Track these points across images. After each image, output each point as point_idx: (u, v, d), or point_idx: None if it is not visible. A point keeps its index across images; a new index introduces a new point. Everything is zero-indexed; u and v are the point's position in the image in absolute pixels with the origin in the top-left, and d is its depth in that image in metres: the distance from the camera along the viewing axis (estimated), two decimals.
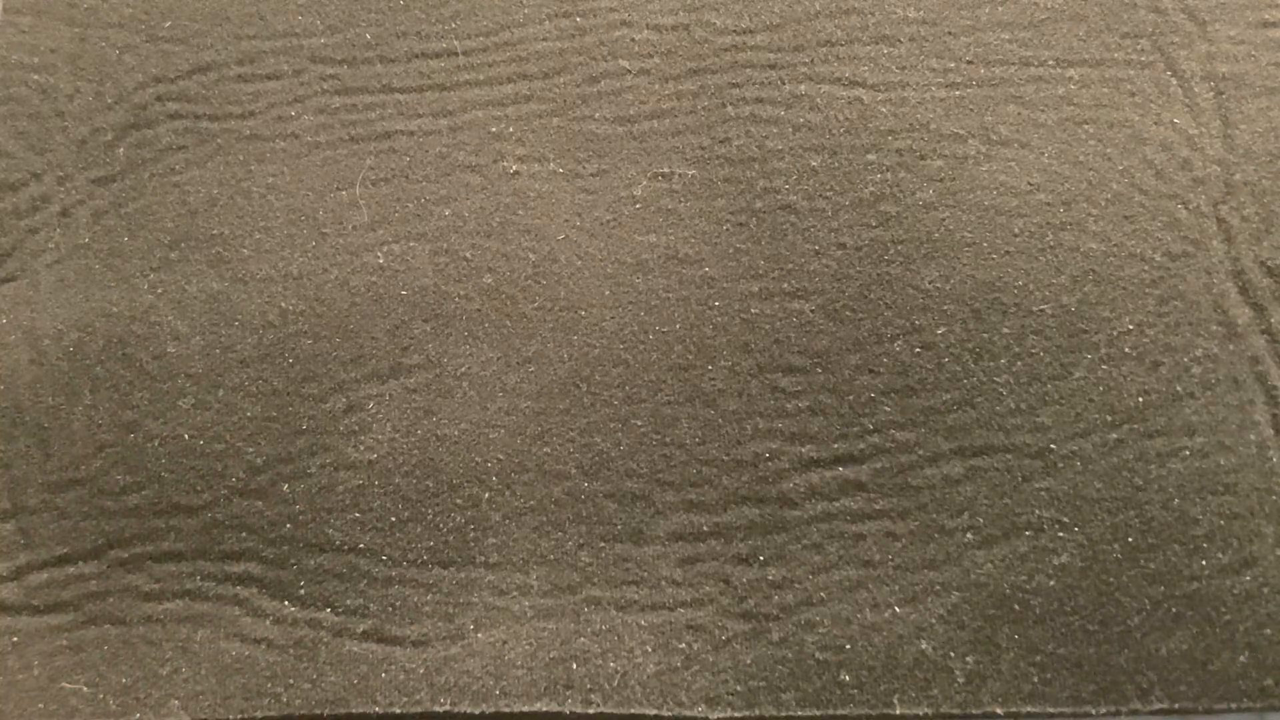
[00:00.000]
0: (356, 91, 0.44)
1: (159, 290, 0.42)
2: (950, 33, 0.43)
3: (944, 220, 0.40)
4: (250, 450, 0.40)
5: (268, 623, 0.38)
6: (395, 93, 0.44)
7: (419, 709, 0.37)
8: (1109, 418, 0.38)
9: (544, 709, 0.37)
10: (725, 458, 0.39)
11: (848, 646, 0.37)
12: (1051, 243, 0.40)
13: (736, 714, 0.36)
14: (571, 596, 0.38)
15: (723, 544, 0.38)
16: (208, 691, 0.38)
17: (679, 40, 0.44)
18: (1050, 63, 0.42)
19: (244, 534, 0.39)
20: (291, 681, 0.38)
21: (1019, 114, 0.42)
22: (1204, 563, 0.37)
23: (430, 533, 0.39)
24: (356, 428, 0.40)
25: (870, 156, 0.41)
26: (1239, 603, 0.36)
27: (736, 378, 0.39)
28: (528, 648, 0.37)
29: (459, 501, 0.39)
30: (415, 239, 0.42)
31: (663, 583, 0.38)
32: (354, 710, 0.37)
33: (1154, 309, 0.39)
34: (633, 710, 0.37)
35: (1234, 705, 0.35)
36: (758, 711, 0.36)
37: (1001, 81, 0.42)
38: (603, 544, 0.38)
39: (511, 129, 0.43)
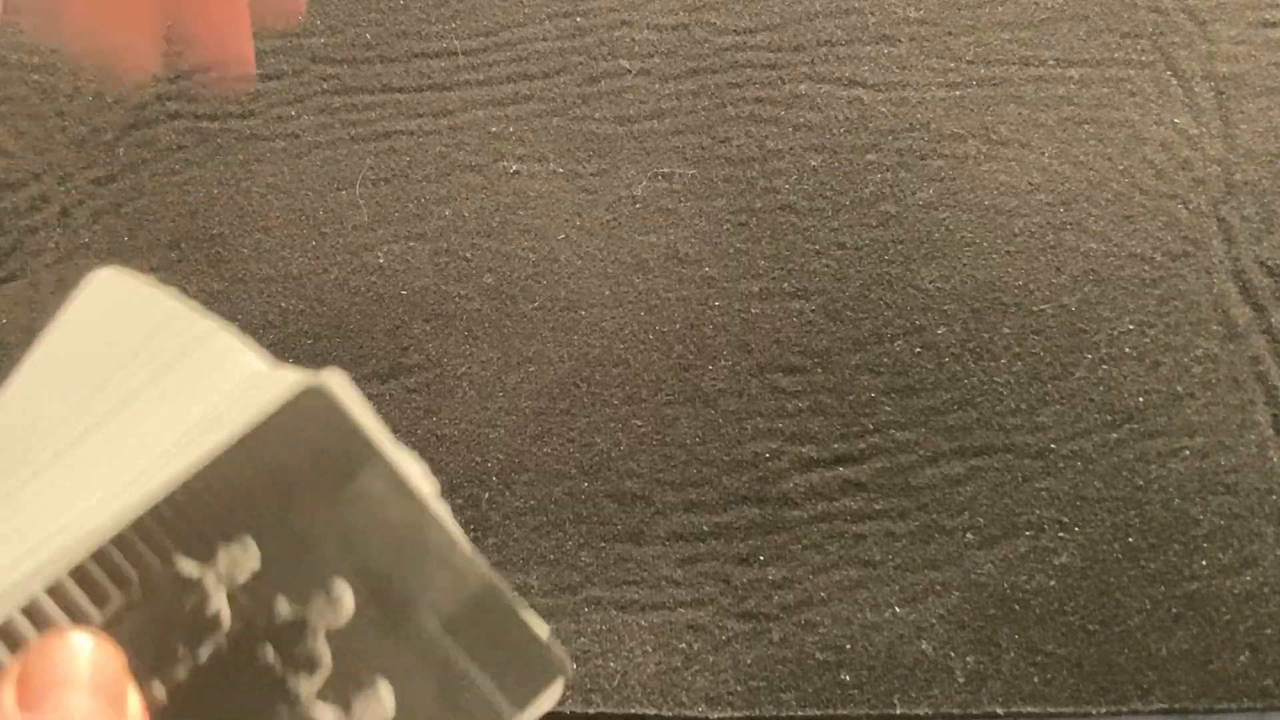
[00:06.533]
0: (356, 91, 0.44)
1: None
2: (950, 33, 0.43)
3: (944, 220, 0.40)
4: None
5: None
6: (395, 93, 0.44)
7: None
8: (1109, 418, 0.38)
9: None
10: (725, 458, 0.39)
11: (848, 646, 0.37)
12: (1051, 243, 0.40)
13: (736, 714, 0.36)
14: (571, 596, 0.38)
15: (723, 544, 0.38)
16: None
17: (679, 40, 0.44)
18: (1050, 63, 0.42)
19: None
20: None
21: (1019, 114, 0.42)
22: (1204, 563, 0.37)
23: None
24: None
25: (870, 156, 0.41)
26: (1239, 603, 0.36)
27: (736, 378, 0.39)
28: None
29: (459, 501, 0.39)
30: (415, 239, 0.42)
31: (663, 583, 0.38)
32: None
33: (1154, 309, 0.39)
34: (633, 710, 0.37)
35: (1234, 705, 0.35)
36: (758, 711, 0.36)
37: (1001, 81, 0.42)
38: (603, 544, 0.38)
39: (511, 129, 0.43)
